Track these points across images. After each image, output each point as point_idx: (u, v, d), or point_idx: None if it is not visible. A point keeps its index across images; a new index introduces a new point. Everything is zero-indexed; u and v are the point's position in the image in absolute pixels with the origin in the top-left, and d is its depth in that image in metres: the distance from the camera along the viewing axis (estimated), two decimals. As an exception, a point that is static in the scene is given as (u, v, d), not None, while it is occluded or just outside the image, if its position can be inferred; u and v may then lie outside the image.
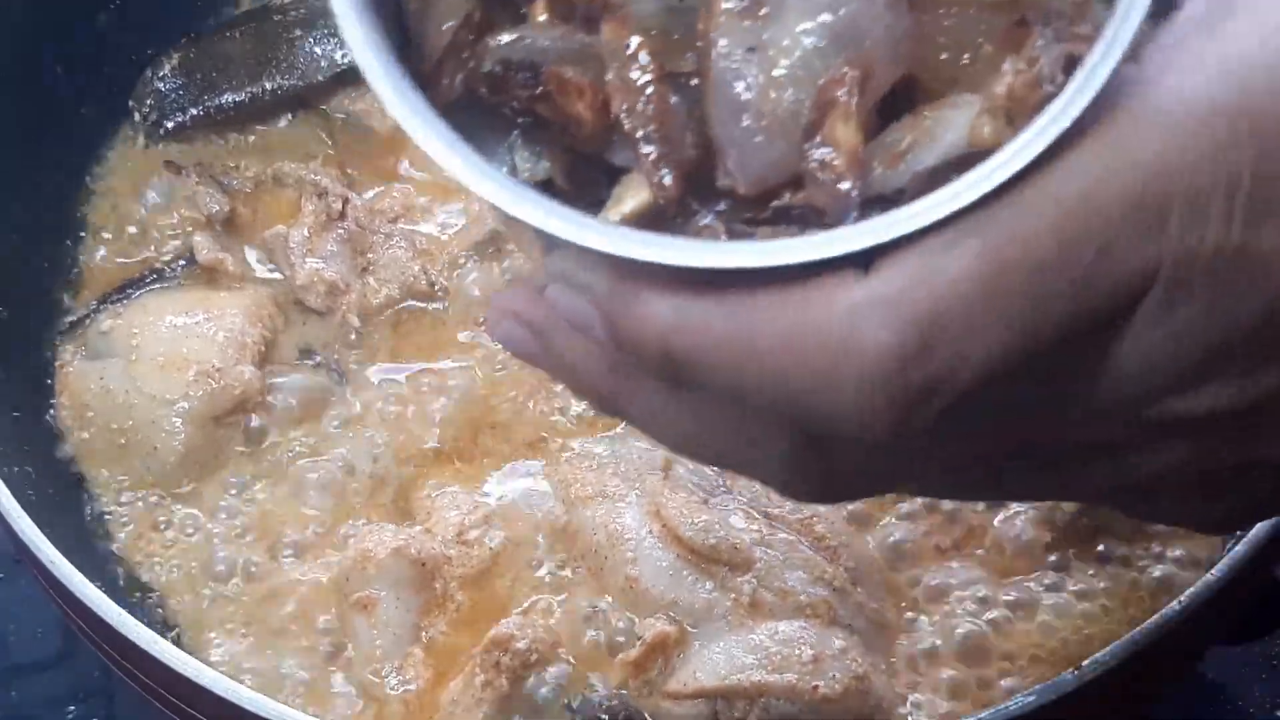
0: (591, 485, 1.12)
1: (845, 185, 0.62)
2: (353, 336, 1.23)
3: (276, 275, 1.25)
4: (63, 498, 1.16)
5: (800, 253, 0.59)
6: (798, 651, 1.03)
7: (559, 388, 1.20)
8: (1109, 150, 0.59)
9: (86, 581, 1.01)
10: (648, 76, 0.65)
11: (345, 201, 1.26)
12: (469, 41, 0.68)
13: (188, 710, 1.01)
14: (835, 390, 0.60)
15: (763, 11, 0.64)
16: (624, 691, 1.06)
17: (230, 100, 1.33)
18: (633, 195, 0.65)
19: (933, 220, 0.59)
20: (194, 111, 1.32)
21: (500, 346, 0.79)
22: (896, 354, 0.59)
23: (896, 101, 0.65)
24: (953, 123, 0.63)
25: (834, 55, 0.63)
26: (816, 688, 1.02)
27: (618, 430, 1.17)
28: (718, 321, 0.61)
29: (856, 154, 0.62)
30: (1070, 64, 0.61)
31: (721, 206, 0.64)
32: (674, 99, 0.65)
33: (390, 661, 1.09)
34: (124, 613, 1.00)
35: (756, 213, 0.64)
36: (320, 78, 1.34)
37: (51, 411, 1.20)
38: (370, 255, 1.25)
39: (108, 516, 1.17)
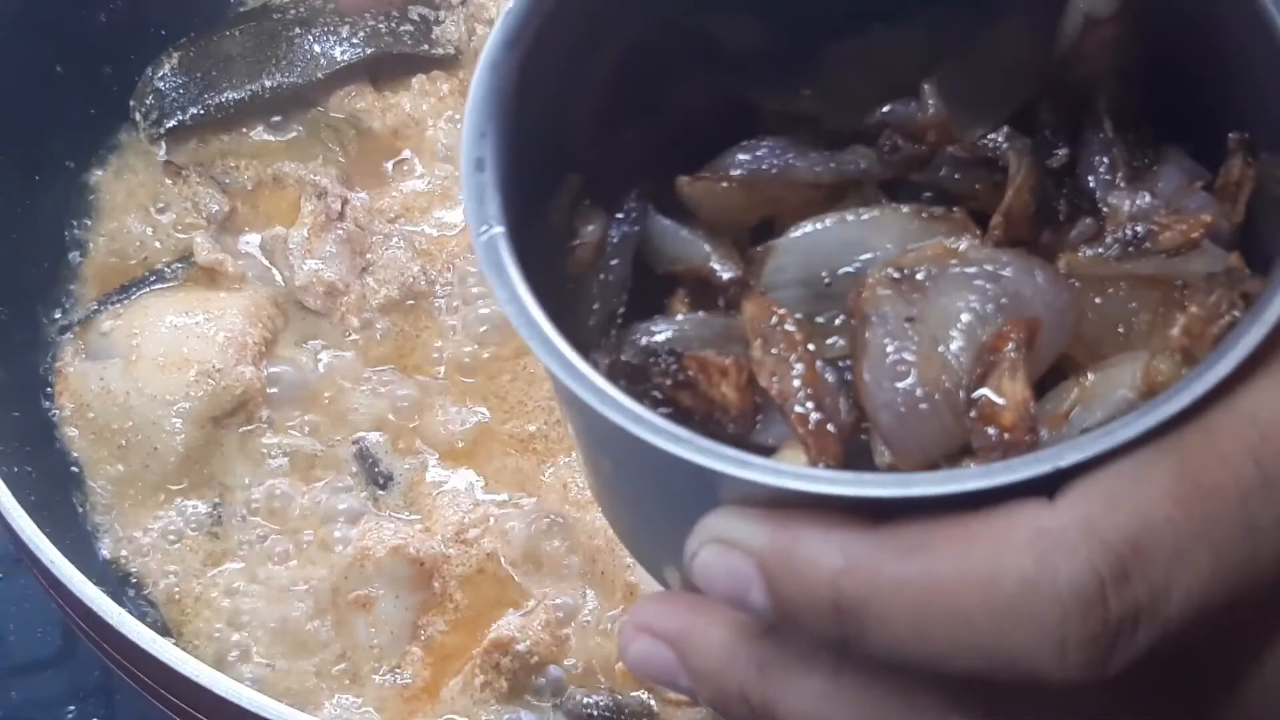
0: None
1: (1016, 437, 0.59)
2: (351, 336, 1.23)
3: (276, 275, 1.25)
4: (63, 498, 1.17)
5: (984, 479, 0.55)
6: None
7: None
8: None
9: (86, 581, 1.01)
10: (797, 346, 0.63)
11: (345, 202, 1.25)
12: (611, 333, 0.67)
13: (188, 710, 1.01)
14: (1027, 626, 0.54)
15: (919, 282, 0.63)
16: (616, 693, 1.06)
17: (230, 99, 1.32)
18: (790, 461, 0.62)
19: (1122, 441, 0.55)
20: (194, 111, 1.32)
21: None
22: (1095, 581, 0.53)
23: (1044, 377, 0.63)
24: (1119, 379, 0.61)
25: (996, 319, 0.62)
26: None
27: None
28: (890, 561, 0.55)
29: (1027, 407, 0.60)
30: (1247, 299, 0.59)
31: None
32: (824, 371, 0.63)
33: (388, 660, 1.09)
34: (124, 613, 1.00)
35: None
36: (320, 76, 1.33)
37: (52, 412, 1.20)
38: (370, 256, 1.25)
39: (108, 516, 1.17)
